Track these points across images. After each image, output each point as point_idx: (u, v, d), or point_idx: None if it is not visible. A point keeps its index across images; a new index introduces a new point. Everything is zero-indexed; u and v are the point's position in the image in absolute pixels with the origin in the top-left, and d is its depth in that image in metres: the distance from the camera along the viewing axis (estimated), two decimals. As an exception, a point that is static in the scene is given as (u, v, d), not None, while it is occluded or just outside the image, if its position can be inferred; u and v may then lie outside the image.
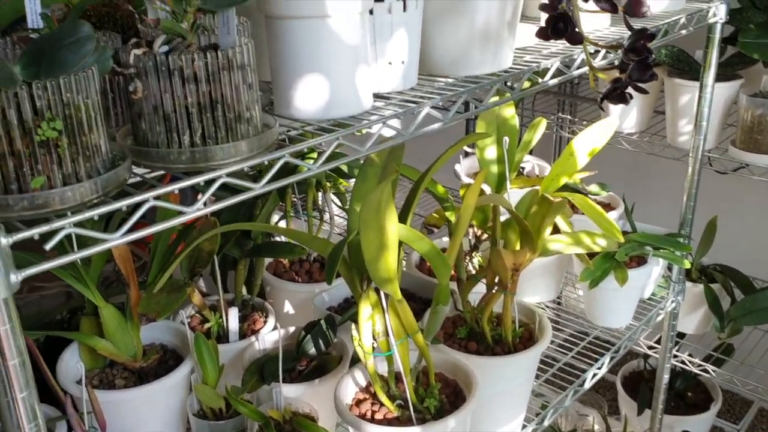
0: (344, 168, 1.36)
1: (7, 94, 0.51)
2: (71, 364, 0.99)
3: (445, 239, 1.35)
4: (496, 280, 1.05)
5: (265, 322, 1.16)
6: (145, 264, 1.17)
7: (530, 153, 1.36)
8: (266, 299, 1.25)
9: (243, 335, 1.13)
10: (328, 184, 1.36)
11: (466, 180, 1.53)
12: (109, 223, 0.88)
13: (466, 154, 1.71)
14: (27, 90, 0.52)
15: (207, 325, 1.14)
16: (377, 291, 0.88)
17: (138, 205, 0.57)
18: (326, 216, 1.35)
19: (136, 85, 0.61)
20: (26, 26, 0.70)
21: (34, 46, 0.54)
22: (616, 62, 0.80)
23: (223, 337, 1.12)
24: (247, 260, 1.18)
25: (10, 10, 0.74)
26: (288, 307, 1.25)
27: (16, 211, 0.53)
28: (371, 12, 0.81)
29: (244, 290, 1.21)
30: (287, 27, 0.74)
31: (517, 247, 1.03)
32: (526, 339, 1.09)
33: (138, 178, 0.63)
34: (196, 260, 1.09)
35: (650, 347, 1.69)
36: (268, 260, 1.28)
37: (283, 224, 1.32)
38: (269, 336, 1.09)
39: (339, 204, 1.43)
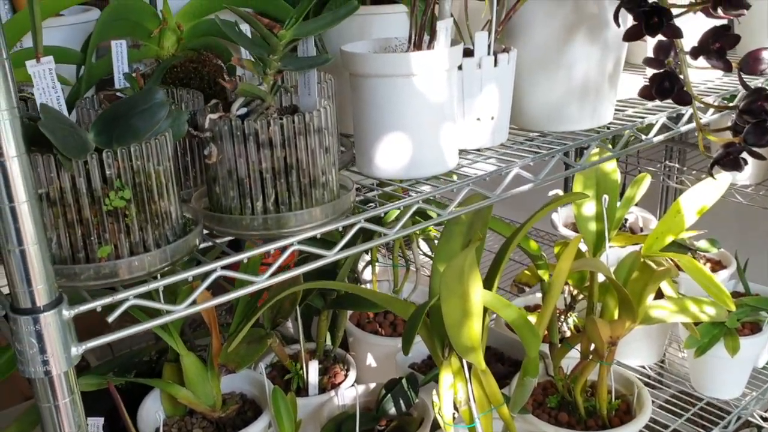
0: (433, 214, 1.32)
1: (78, 162, 0.50)
2: (152, 411, 0.99)
3: (538, 294, 1.28)
4: (592, 348, 0.97)
5: (346, 375, 1.12)
6: (232, 306, 1.17)
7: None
8: (348, 350, 1.22)
9: (323, 388, 1.10)
10: (416, 231, 1.33)
11: (563, 231, 1.46)
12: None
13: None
14: (97, 158, 0.51)
15: (287, 376, 1.12)
16: (460, 357, 0.83)
17: (206, 275, 0.55)
18: (413, 266, 1.31)
19: (211, 149, 0.59)
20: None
21: (108, 112, 0.54)
22: (730, 122, 0.73)
23: (302, 389, 1.10)
24: (329, 310, 1.16)
25: (103, 65, 0.75)
26: (370, 360, 1.22)
27: (82, 281, 0.52)
28: (460, 67, 0.78)
29: (327, 339, 1.19)
30: (371, 85, 0.72)
31: (615, 315, 0.95)
32: (623, 412, 1.01)
33: (209, 243, 0.62)
34: (278, 311, 1.07)
35: (765, 419, 1.54)
36: (352, 309, 1.26)
37: (368, 272, 1.30)
38: (349, 392, 1.06)
39: (428, 253, 1.39)
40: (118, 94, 0.69)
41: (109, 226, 0.52)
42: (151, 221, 0.54)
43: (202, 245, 0.60)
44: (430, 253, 1.39)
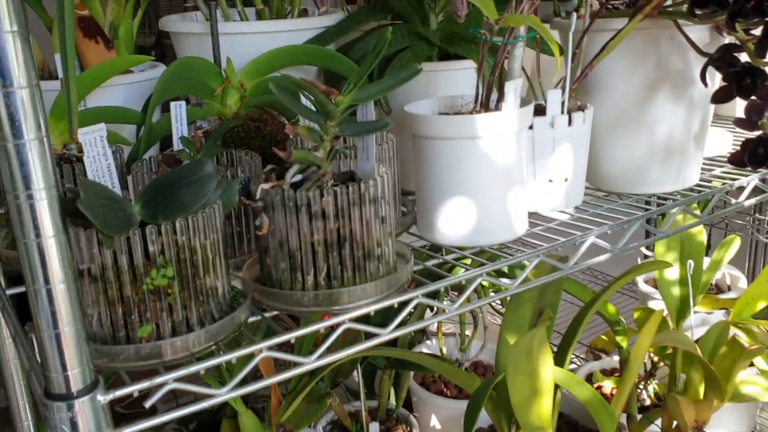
0: (505, 269, 1.26)
1: (120, 238, 0.48)
2: (208, 470, 0.97)
3: (615, 357, 1.20)
4: (674, 425, 0.89)
5: (408, 438, 1.07)
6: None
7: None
8: (412, 411, 1.17)
9: (384, 452, 1.05)
10: (485, 284, 1.27)
11: (643, 287, 1.37)
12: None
13: (646, 255, 1.55)
14: (140, 234, 0.49)
15: (347, 438, 1.07)
16: (527, 435, 0.77)
17: (250, 356, 0.52)
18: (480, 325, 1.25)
19: (262, 220, 0.57)
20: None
21: (155, 184, 0.52)
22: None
23: (362, 451, 1.05)
24: (392, 369, 1.11)
25: (163, 125, 0.75)
26: (435, 422, 1.16)
27: (121, 361, 0.49)
28: (530, 126, 0.73)
29: (389, 398, 1.14)
30: (434, 147, 0.68)
31: (701, 390, 0.87)
32: (710, 498, 0.92)
33: (258, 317, 0.59)
34: (338, 369, 1.03)
35: None
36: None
37: (434, 322, 1.24)
38: (410, 458, 1.01)
39: (498, 307, 1.33)
40: (177, 156, 0.68)
41: (151, 304, 0.50)
42: (195, 298, 0.51)
43: (252, 318, 0.58)
44: (501, 308, 1.33)
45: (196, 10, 0.94)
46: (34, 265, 0.42)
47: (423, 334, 1.34)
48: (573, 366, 1.27)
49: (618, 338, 1.00)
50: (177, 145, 0.71)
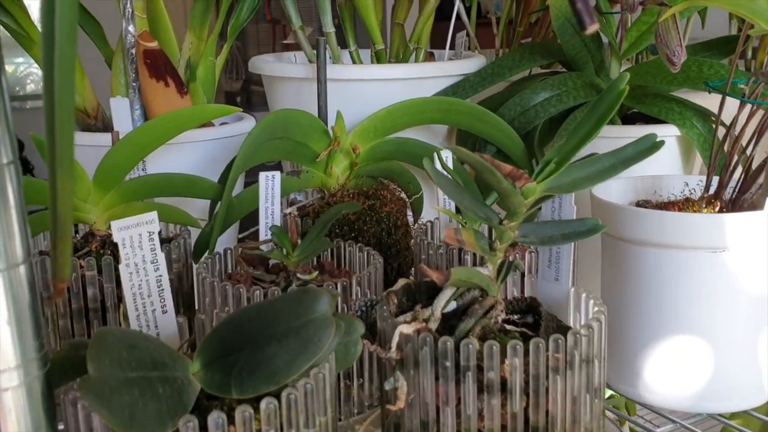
0: None
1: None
2: None
3: None
4: None
5: None
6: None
7: None
8: None
9: None
10: None
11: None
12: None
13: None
14: (198, 425, 0.27)
15: None
16: None
17: None
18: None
19: (397, 382, 0.34)
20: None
21: (228, 327, 0.30)
22: None
23: None
24: None
25: (246, 202, 0.54)
26: None
27: None
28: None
29: None
30: (646, 258, 0.45)
31: None
32: None
33: None
34: None
35: None
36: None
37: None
38: None
39: None
40: (264, 254, 0.47)
41: None
42: None
43: None
44: None
45: (297, 50, 0.74)
46: None
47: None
48: None
49: None
50: (264, 231, 0.50)
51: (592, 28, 0.21)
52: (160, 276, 0.35)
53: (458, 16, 0.73)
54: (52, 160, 0.17)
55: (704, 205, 0.48)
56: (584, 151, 0.36)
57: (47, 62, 0.16)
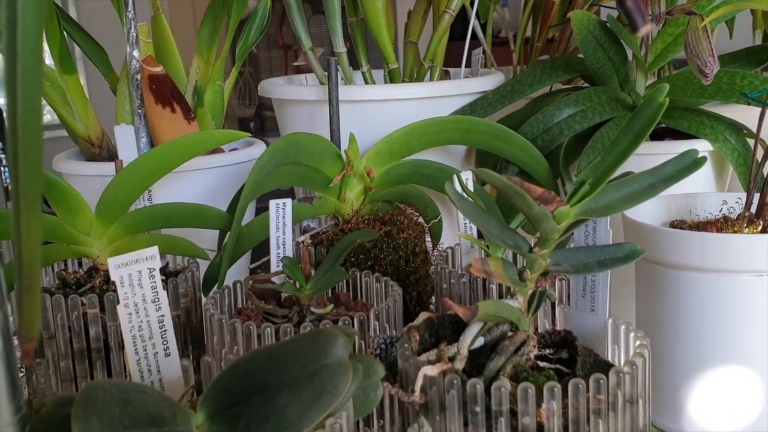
0: None
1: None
2: None
3: None
4: None
5: None
6: None
7: None
8: None
9: None
10: None
11: None
12: None
13: None
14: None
15: None
16: None
17: None
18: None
19: (422, 428, 0.31)
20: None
21: (235, 374, 0.27)
22: None
23: None
24: None
25: (256, 231, 0.51)
26: None
27: None
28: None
29: None
30: (687, 283, 0.41)
31: None
32: None
33: None
34: None
35: None
36: None
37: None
38: None
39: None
40: (275, 287, 0.44)
41: None
42: None
43: None
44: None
45: (308, 72, 0.72)
46: None
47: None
48: None
49: None
50: (275, 262, 0.47)
51: (645, 29, 0.18)
52: (162, 316, 0.33)
53: (473, 35, 0.70)
54: (16, 198, 0.15)
55: (745, 225, 0.45)
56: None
57: (9, 80, 0.14)
